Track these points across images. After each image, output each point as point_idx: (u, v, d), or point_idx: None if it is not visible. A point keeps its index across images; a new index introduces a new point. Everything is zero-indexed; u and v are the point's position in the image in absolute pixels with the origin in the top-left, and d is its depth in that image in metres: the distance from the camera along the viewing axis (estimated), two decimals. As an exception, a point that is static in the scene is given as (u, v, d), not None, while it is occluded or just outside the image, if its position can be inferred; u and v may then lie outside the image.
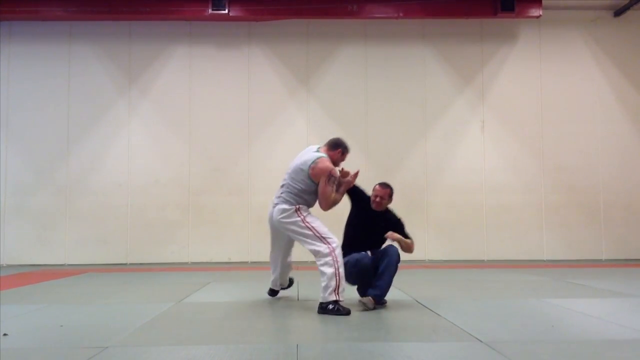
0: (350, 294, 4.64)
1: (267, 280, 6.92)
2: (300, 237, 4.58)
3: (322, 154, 4.66)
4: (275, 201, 4.75)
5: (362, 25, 10.24)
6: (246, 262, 9.83)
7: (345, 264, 4.46)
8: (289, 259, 5.16)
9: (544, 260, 9.91)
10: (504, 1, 9.57)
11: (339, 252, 4.40)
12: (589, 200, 10.14)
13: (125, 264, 9.75)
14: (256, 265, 9.45)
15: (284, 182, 4.78)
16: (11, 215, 9.83)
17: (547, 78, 10.30)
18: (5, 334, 3.57)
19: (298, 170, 4.64)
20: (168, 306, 4.74)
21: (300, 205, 4.60)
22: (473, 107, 10.22)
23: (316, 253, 4.45)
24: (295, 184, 4.64)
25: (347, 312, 4.22)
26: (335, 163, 4.73)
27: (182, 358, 2.96)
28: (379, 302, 4.53)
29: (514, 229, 10.04)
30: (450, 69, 10.26)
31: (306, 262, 9.78)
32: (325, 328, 3.83)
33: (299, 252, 10.02)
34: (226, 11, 9.49)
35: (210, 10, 9.49)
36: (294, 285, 6.31)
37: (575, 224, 10.10)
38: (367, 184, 10.58)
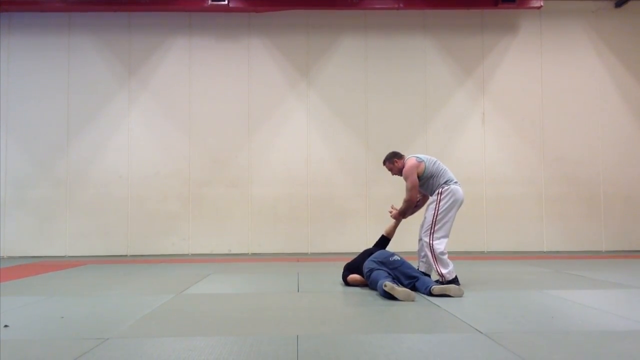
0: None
1: (268, 272, 6.94)
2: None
3: None
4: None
5: (362, 17, 10.20)
6: (246, 254, 9.85)
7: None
8: None
9: (544, 252, 9.92)
10: (504, -8, 9.55)
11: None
12: (589, 191, 10.14)
13: (126, 256, 9.76)
14: (256, 257, 9.47)
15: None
16: (11, 207, 9.84)
17: (548, 69, 10.27)
18: (6, 326, 3.58)
19: None
20: (168, 298, 4.75)
21: None
22: (474, 98, 10.20)
23: None
24: None
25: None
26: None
27: (183, 349, 2.97)
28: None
29: (514, 221, 10.04)
30: (451, 60, 10.23)
31: (306, 253, 9.83)
32: (325, 319, 3.83)
33: (301, 245, 10.06)
34: (226, 2, 9.45)
35: (210, 2, 9.45)
36: (295, 276, 6.33)
37: (575, 216, 10.10)
38: (368, 176, 10.58)
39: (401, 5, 9.72)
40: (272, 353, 2.87)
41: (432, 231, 5.23)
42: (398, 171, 5.60)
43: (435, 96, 10.17)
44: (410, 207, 5.48)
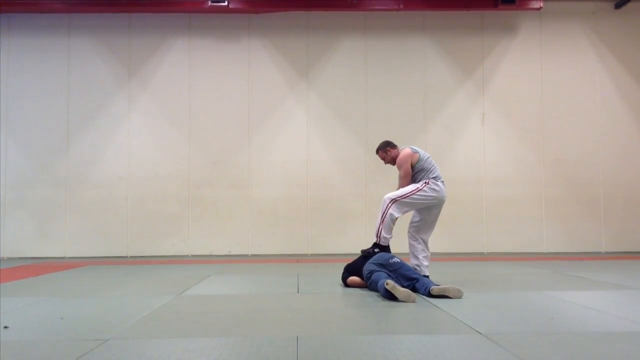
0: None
1: (268, 273, 6.94)
2: None
3: None
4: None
5: (362, 18, 10.21)
6: (246, 255, 9.85)
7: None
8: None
9: (543, 253, 9.93)
10: (504, -7, 9.57)
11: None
12: (589, 192, 10.14)
13: (126, 257, 9.76)
14: (256, 257, 9.47)
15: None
16: (11, 208, 9.84)
17: (548, 70, 10.27)
18: (5, 327, 3.58)
19: None
20: (168, 299, 4.75)
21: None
22: (473, 99, 10.20)
23: None
24: None
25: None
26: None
27: (182, 350, 2.97)
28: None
29: (514, 222, 10.04)
30: (451, 62, 10.23)
31: (306, 254, 9.83)
32: (325, 320, 3.83)
33: (301, 246, 10.06)
34: (226, 3, 9.47)
35: (210, 2, 9.47)
36: (295, 277, 6.33)
37: (575, 217, 10.11)
38: (368, 176, 10.59)
39: (401, 6, 9.73)
40: (272, 354, 2.87)
41: (398, 198, 5.30)
42: (391, 160, 5.65)
43: (435, 97, 10.18)
44: None
